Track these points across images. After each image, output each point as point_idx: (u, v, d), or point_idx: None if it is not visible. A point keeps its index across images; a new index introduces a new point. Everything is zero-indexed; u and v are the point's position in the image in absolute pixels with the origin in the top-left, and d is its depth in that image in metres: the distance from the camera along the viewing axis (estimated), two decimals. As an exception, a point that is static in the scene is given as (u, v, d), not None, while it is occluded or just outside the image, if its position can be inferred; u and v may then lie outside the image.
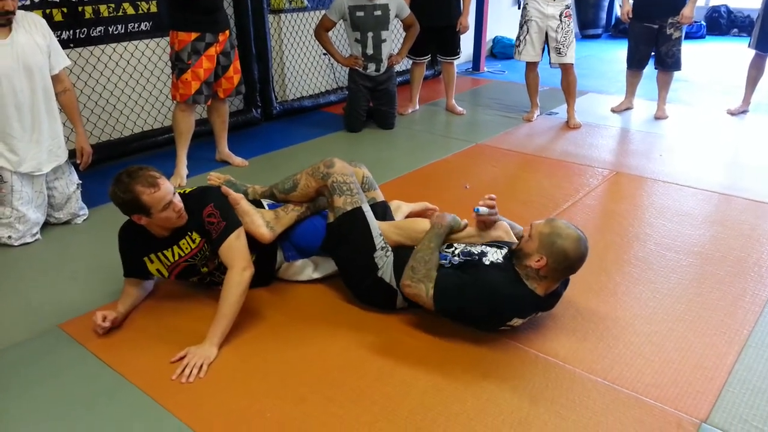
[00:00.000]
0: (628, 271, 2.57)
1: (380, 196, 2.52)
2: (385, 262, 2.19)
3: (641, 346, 2.09)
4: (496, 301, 1.99)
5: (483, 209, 2.21)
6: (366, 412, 1.79)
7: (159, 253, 2.18)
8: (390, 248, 2.22)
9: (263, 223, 2.27)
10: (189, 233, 2.16)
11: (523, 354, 2.05)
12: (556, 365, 1.99)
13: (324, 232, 2.34)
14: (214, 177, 2.52)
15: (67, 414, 1.81)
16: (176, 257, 2.18)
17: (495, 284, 1.99)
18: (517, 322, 2.05)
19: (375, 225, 2.22)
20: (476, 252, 2.13)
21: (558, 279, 2.02)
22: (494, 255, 2.10)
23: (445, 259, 2.13)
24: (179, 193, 2.17)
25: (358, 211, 2.19)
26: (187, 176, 3.55)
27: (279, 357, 2.04)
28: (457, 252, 2.16)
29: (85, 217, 3.05)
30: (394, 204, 2.83)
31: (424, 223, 2.28)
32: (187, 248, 2.17)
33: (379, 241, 2.20)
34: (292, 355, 2.04)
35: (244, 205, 2.26)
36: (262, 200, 2.46)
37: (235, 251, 2.10)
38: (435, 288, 2.01)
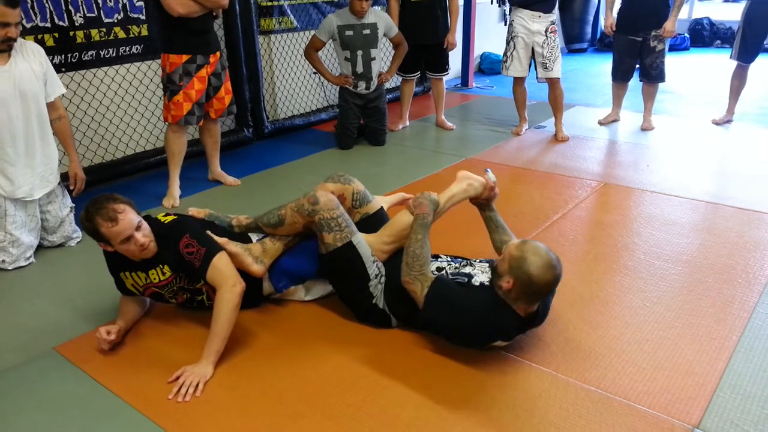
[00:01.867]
0: (618, 281, 2.60)
1: (375, 207, 2.49)
2: (379, 290, 2.21)
3: (633, 354, 2.12)
4: (479, 323, 2.00)
5: (491, 175, 2.36)
6: (362, 427, 1.81)
7: (132, 273, 2.20)
8: (383, 274, 2.23)
9: (252, 260, 2.27)
10: (160, 265, 2.16)
11: (518, 365, 2.07)
12: (549, 375, 2.02)
13: (315, 257, 2.32)
14: (195, 212, 2.48)
15: (64, 436, 1.82)
16: (146, 281, 2.20)
17: (479, 306, 1.99)
18: (500, 343, 2.06)
19: (368, 254, 2.21)
20: (465, 272, 2.14)
21: (530, 302, 1.97)
22: (483, 276, 2.11)
23: None
24: (158, 220, 2.17)
25: (349, 246, 2.18)
26: (181, 197, 3.57)
27: (275, 375, 2.05)
28: (446, 273, 2.18)
29: (78, 240, 3.07)
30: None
31: (407, 217, 2.25)
32: (155, 278, 2.18)
33: (372, 270, 2.20)
34: (287, 373, 2.06)
35: (231, 247, 2.22)
36: (249, 234, 2.44)
37: (222, 272, 2.09)
38: (428, 291, 2.03)
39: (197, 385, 1.96)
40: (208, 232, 2.23)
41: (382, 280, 2.22)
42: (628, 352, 2.12)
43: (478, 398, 1.92)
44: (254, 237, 2.42)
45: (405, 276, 2.09)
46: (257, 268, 2.28)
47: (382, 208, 2.54)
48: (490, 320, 1.99)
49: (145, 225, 2.10)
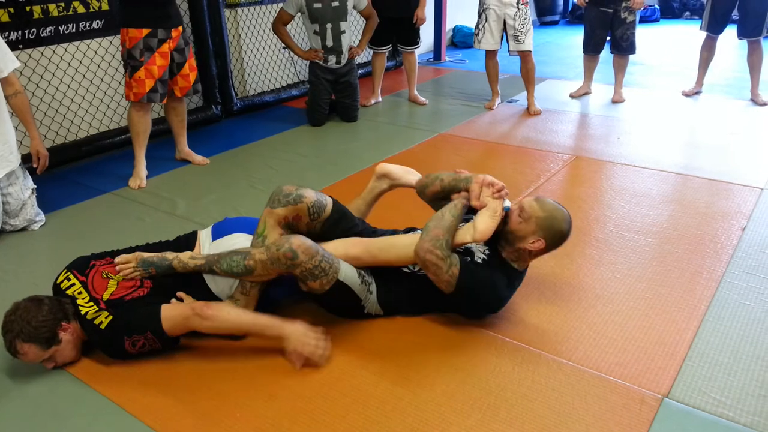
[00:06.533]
0: (589, 254, 2.62)
1: (329, 209, 2.14)
2: (369, 299, 2.15)
3: (604, 326, 2.14)
4: (504, 292, 2.10)
5: (509, 204, 2.11)
6: (336, 405, 1.80)
7: None
8: (372, 281, 2.14)
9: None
10: None
11: (490, 339, 2.07)
12: (522, 348, 2.03)
13: (290, 284, 2.15)
14: (122, 260, 2.08)
15: (33, 426, 1.78)
16: None
17: (499, 280, 2.06)
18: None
19: (354, 279, 2.07)
20: (462, 253, 2.10)
21: (544, 254, 2.14)
22: (479, 254, 2.09)
23: None
24: (92, 324, 1.94)
25: (338, 285, 2.04)
26: (148, 177, 3.48)
27: (246, 356, 2.02)
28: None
29: (42, 223, 2.98)
30: (381, 171, 2.47)
31: (403, 252, 2.08)
32: None
33: (364, 293, 2.11)
34: (259, 354, 2.03)
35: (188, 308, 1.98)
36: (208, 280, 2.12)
37: (176, 318, 1.93)
38: (461, 275, 1.98)
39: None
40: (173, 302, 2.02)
41: (371, 288, 2.14)
42: (599, 324, 2.14)
43: (452, 374, 1.92)
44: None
45: (435, 249, 1.95)
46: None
47: (335, 202, 2.19)
48: (509, 287, 2.12)
49: (59, 353, 1.93)
